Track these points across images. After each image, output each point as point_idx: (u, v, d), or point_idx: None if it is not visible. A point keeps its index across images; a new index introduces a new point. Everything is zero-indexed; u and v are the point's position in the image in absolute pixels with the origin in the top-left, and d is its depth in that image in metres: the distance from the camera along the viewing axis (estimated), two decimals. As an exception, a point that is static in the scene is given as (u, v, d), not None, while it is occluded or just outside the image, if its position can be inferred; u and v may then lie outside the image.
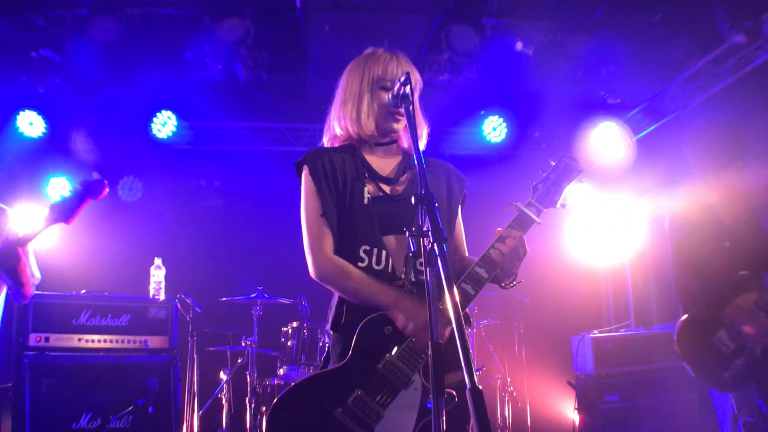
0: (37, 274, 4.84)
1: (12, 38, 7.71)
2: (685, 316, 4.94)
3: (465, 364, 2.10)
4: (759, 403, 4.52)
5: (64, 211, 4.32)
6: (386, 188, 3.23)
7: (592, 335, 7.88)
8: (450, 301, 2.22)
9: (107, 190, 4.44)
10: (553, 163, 3.19)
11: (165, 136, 9.22)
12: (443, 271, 2.28)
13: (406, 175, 3.29)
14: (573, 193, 3.19)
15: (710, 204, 5.00)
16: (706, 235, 4.90)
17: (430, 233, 2.40)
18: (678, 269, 4.97)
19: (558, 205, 3.13)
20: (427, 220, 2.45)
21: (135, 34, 7.72)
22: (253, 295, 7.60)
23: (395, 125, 3.25)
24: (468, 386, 2.06)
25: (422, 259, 2.44)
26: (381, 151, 3.35)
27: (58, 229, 4.67)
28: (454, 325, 2.16)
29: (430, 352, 2.25)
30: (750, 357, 4.55)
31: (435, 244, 2.35)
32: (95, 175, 4.44)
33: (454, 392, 2.75)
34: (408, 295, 2.97)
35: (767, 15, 7.09)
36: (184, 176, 9.92)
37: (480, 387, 2.07)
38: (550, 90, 8.71)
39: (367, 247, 3.09)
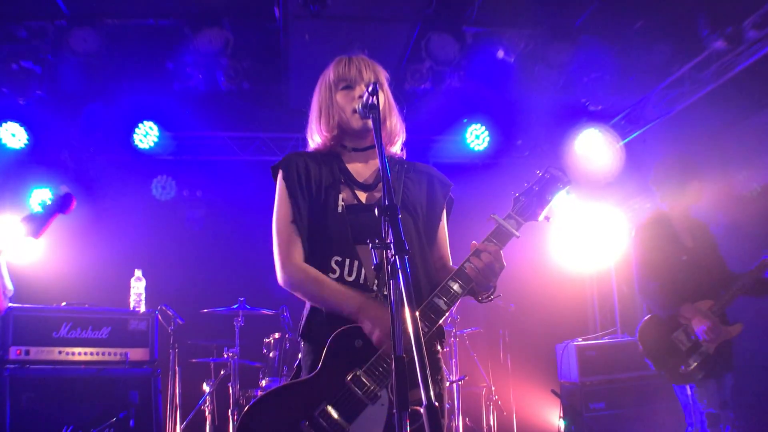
0: (10, 287, 4.81)
1: (-8, 50, 7.70)
2: (648, 316, 5.52)
3: (422, 381, 2.07)
4: (720, 395, 5.09)
5: (34, 227, 4.29)
6: (362, 196, 3.18)
7: (575, 343, 7.87)
8: (409, 315, 2.19)
9: (75, 203, 4.41)
10: (539, 174, 3.08)
11: (147, 147, 9.18)
12: (404, 285, 2.24)
13: None
14: (558, 202, 3.09)
15: (671, 225, 5.57)
16: (664, 248, 5.45)
17: (392, 245, 2.35)
18: (639, 274, 5.49)
19: (541, 218, 3.03)
20: (390, 231, 2.40)
21: (116, 45, 7.72)
22: (235, 306, 7.55)
23: (362, 122, 3.15)
24: (424, 403, 2.04)
25: (386, 272, 2.38)
26: (360, 156, 3.31)
27: (33, 242, 4.64)
28: (412, 340, 2.14)
29: (393, 366, 2.20)
30: (704, 354, 5.13)
31: (397, 257, 2.31)
32: (63, 189, 4.41)
33: (420, 409, 2.71)
34: (376, 301, 2.91)
35: (748, 21, 7.11)
36: (166, 186, 9.85)
37: (436, 404, 2.04)
38: (532, 98, 8.73)
39: (339, 258, 3.04)
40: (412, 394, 2.23)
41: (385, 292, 2.90)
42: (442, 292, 2.88)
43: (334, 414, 2.79)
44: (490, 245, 2.93)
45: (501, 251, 2.94)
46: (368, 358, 2.84)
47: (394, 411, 2.17)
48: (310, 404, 2.82)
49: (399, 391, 2.17)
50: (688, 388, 5.21)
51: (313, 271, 3.03)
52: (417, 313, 2.22)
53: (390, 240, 2.38)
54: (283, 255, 3.09)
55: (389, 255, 2.36)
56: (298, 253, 3.09)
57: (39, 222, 4.30)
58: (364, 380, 2.82)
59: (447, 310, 2.88)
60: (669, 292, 5.30)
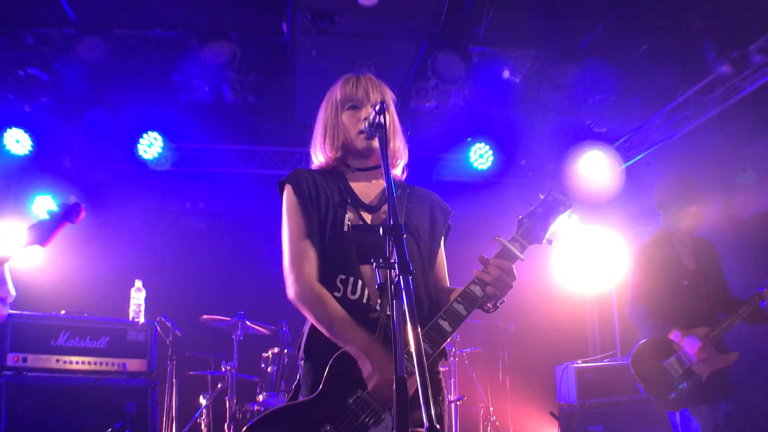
0: (12, 292, 4.79)
1: (0, 56, 7.70)
2: (643, 340, 5.48)
3: (423, 403, 2.04)
4: (713, 420, 5.05)
5: (41, 234, 4.28)
6: (367, 217, 3.16)
7: (575, 365, 7.84)
8: (412, 336, 2.17)
9: (84, 214, 4.39)
10: (542, 197, 3.03)
11: (151, 157, 9.19)
12: (407, 305, 2.22)
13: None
14: (560, 223, 3.06)
15: (674, 247, 5.54)
16: (665, 272, 5.44)
17: (397, 265, 2.33)
18: (631, 296, 5.52)
19: (544, 241, 2.99)
20: (395, 251, 2.38)
21: (123, 54, 7.74)
22: (234, 320, 7.53)
23: (366, 143, 3.15)
24: (426, 425, 2.02)
25: (389, 292, 2.36)
26: (365, 176, 3.29)
27: (36, 250, 4.63)
28: (415, 362, 2.12)
29: (394, 387, 2.18)
30: (697, 382, 5.11)
31: (401, 277, 2.29)
32: (73, 199, 4.41)
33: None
34: (379, 345, 2.84)
35: (755, 45, 7.13)
36: (168, 198, 9.87)
37: (438, 427, 2.02)
38: (536, 118, 8.76)
39: (344, 277, 3.02)
40: (413, 415, 2.22)
41: (388, 312, 2.88)
42: (447, 315, 2.85)
43: None
44: (503, 262, 2.88)
45: (513, 266, 2.90)
46: None
47: (394, 429, 2.16)
48: (312, 426, 2.78)
49: (400, 411, 2.15)
50: (678, 414, 5.21)
51: (325, 294, 2.99)
52: (421, 334, 2.20)
53: (394, 260, 2.36)
54: (297, 269, 3.04)
55: (393, 275, 2.34)
56: (311, 268, 3.05)
57: (46, 230, 4.29)
58: (368, 402, 2.78)
59: (452, 332, 2.85)
60: (659, 317, 5.30)
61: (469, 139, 9.70)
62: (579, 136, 9.19)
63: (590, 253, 9.91)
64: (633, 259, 5.64)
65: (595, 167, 9.11)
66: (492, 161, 9.67)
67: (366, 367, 2.80)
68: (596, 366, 8.01)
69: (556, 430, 8.12)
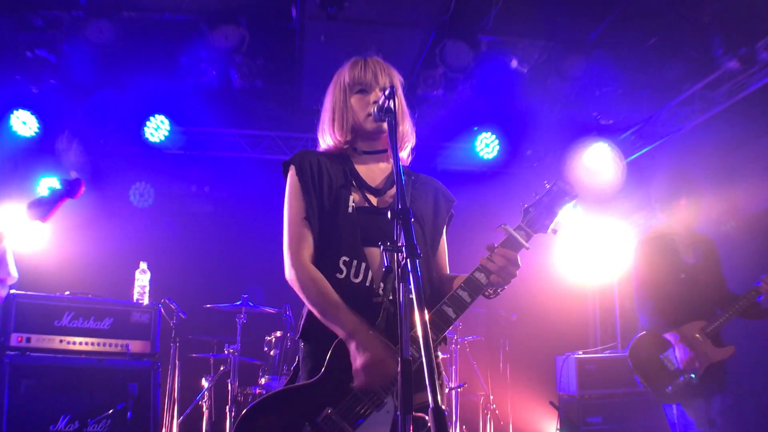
0: (14, 273, 4.81)
1: (8, 37, 7.70)
2: (642, 333, 5.56)
3: (429, 384, 2.07)
4: (708, 414, 5.11)
5: (41, 210, 4.29)
6: (373, 199, 3.16)
7: (576, 356, 7.87)
8: (419, 319, 2.19)
9: (83, 189, 4.41)
10: (548, 186, 3.05)
11: (157, 140, 9.20)
12: (414, 288, 2.24)
13: (395, 188, 3.21)
14: (565, 213, 3.06)
15: (672, 241, 5.60)
16: (664, 264, 5.50)
17: (404, 249, 2.34)
18: (637, 291, 5.57)
19: (549, 230, 3.00)
20: (402, 235, 2.39)
21: (131, 37, 7.72)
22: (238, 303, 7.56)
23: (375, 125, 3.15)
24: (431, 405, 2.04)
25: (396, 275, 2.38)
26: (371, 159, 3.30)
27: (41, 228, 4.65)
28: (421, 344, 2.14)
29: (399, 369, 2.20)
30: (694, 376, 5.16)
31: (408, 260, 2.30)
32: (73, 174, 4.42)
33: (425, 417, 2.70)
34: (370, 330, 2.84)
35: (762, 42, 7.12)
36: (174, 181, 9.89)
37: (443, 407, 2.04)
38: (543, 109, 8.75)
39: (347, 259, 3.01)
40: (416, 398, 2.23)
41: (391, 297, 2.90)
42: (451, 301, 2.86)
43: (339, 420, 2.76)
44: (508, 252, 2.90)
45: (518, 255, 2.92)
46: None
47: (397, 413, 2.18)
48: (313, 409, 2.79)
49: (404, 393, 2.17)
50: (674, 407, 5.28)
51: (319, 277, 2.99)
52: (426, 316, 2.22)
53: (401, 243, 2.37)
54: (293, 252, 3.05)
55: (400, 258, 2.36)
56: (308, 250, 3.06)
57: (46, 206, 4.30)
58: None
59: (456, 319, 2.85)
60: (663, 312, 5.37)
61: (476, 129, 9.69)
62: (585, 127, 9.19)
63: (593, 244, 9.93)
64: (637, 252, 5.70)
65: (600, 159, 9.11)
66: (498, 151, 9.68)
67: (352, 349, 2.80)
68: (597, 357, 8.04)
69: (556, 419, 8.16)
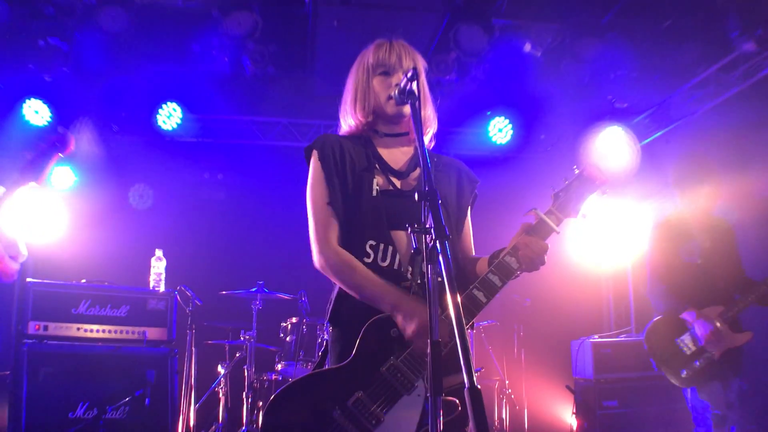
0: (24, 252, 4.77)
1: (20, 26, 7.68)
2: (657, 317, 5.53)
3: (464, 364, 2.06)
4: (726, 397, 5.11)
5: (33, 171, 4.25)
6: (397, 182, 3.15)
7: (592, 340, 7.85)
8: (451, 300, 2.17)
9: (73, 142, 4.37)
10: (577, 171, 3.03)
11: (170, 128, 9.19)
12: (445, 269, 2.22)
13: (418, 170, 3.18)
14: (594, 198, 3.06)
15: (689, 226, 5.56)
16: (677, 250, 5.47)
17: (432, 230, 2.32)
18: (649, 275, 5.54)
19: (579, 215, 3.00)
20: (430, 217, 2.37)
21: (143, 24, 7.69)
22: (253, 290, 7.57)
23: (396, 108, 3.14)
24: (467, 385, 2.03)
25: (424, 257, 2.36)
26: (393, 142, 3.28)
27: (33, 187, 4.53)
28: (454, 325, 2.13)
29: (429, 350, 2.20)
30: (709, 360, 5.15)
31: (437, 242, 2.28)
32: (60, 130, 4.38)
33: (456, 400, 2.70)
34: (412, 298, 2.85)
35: (779, 24, 7.05)
36: (187, 168, 9.89)
37: (479, 387, 2.03)
38: (557, 93, 8.69)
39: (374, 242, 3.01)
40: (445, 381, 2.23)
41: (419, 281, 2.90)
42: (482, 285, 2.84)
43: (369, 404, 2.76)
44: (540, 241, 2.89)
45: (548, 245, 2.91)
46: (404, 347, 2.81)
47: (428, 395, 2.17)
48: (343, 393, 2.79)
49: (434, 376, 2.17)
50: (689, 391, 5.32)
51: (351, 258, 2.99)
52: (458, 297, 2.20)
53: (430, 224, 2.35)
54: (321, 237, 3.04)
55: (428, 240, 2.33)
56: (335, 235, 3.05)
57: (38, 165, 4.26)
58: (400, 369, 2.79)
59: (486, 303, 2.84)
60: (675, 296, 5.33)
61: (489, 113, 9.65)
62: (599, 111, 9.12)
63: (607, 229, 9.89)
64: (650, 237, 5.67)
65: (614, 143, 9.05)
66: (511, 135, 9.63)
67: (399, 319, 2.81)
68: (613, 341, 8.02)
69: (571, 404, 8.15)
